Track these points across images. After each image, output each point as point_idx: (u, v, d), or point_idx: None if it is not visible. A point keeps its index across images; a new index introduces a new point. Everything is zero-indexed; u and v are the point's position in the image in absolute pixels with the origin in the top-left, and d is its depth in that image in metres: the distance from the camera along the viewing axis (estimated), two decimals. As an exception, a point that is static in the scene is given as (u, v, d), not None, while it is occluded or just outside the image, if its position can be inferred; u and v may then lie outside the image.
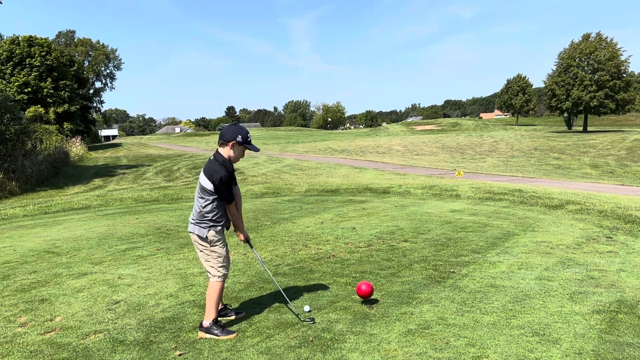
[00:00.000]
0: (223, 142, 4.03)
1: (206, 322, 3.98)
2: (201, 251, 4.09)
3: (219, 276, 4.05)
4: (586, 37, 57.54)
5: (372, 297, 4.65)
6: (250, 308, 4.57)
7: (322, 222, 9.06)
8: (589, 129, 62.00)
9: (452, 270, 5.60)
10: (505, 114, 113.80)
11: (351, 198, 12.38)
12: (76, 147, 34.50)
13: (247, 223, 9.26)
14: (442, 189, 12.70)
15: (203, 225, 4.01)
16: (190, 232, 4.11)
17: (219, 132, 4.17)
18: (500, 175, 20.03)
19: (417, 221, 8.81)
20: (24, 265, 6.64)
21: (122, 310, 4.64)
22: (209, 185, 3.92)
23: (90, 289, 5.38)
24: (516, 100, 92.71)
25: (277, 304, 4.64)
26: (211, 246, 4.04)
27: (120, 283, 5.56)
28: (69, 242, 8.08)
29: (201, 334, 3.96)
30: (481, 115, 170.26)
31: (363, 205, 11.07)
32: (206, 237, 4.01)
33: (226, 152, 4.04)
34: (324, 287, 5.11)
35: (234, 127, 4.05)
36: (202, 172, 4.04)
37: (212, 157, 4.07)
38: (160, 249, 7.34)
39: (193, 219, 4.09)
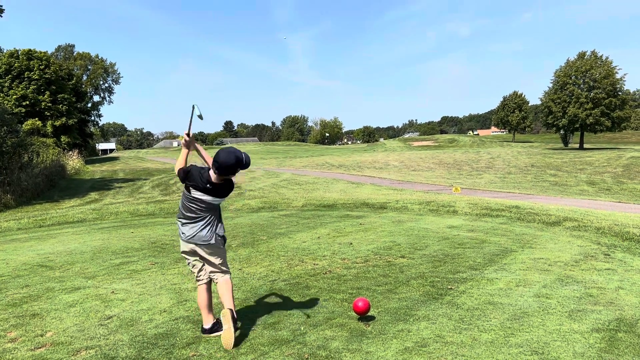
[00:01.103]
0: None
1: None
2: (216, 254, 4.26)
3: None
4: (582, 55, 58.16)
5: (369, 313, 4.58)
6: (245, 324, 4.50)
7: (318, 237, 9.00)
8: (585, 146, 62.32)
9: (449, 287, 5.55)
10: (501, 130, 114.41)
11: (348, 213, 12.34)
12: (73, 161, 34.39)
13: (243, 238, 9.20)
14: (440, 205, 12.68)
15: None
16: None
17: (219, 145, 4.26)
18: (497, 191, 20.04)
19: (414, 237, 8.76)
20: (17, 279, 6.56)
21: (114, 326, 4.56)
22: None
23: (82, 303, 5.30)
24: (512, 117, 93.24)
25: (272, 321, 4.58)
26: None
27: (114, 298, 5.48)
28: (63, 256, 7.99)
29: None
30: (478, 131, 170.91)
31: (360, 220, 11.03)
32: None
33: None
34: (320, 304, 5.05)
35: (218, 157, 3.99)
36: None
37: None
38: (154, 263, 7.27)
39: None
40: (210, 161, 4.17)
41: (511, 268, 6.37)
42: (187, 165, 4.15)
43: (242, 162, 3.90)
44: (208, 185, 4.03)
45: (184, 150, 4.31)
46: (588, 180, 27.48)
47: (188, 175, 4.08)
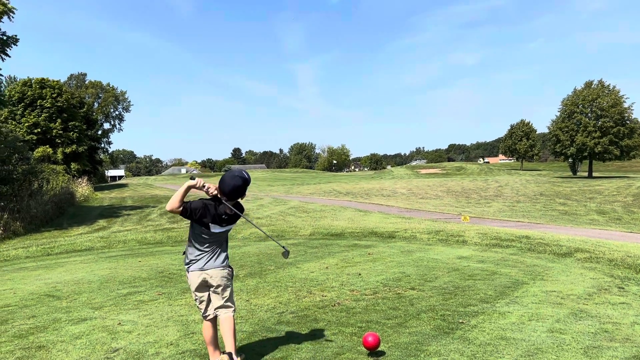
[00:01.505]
0: None
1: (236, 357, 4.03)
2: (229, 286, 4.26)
3: None
4: (589, 84, 58.39)
5: (379, 348, 4.50)
6: (252, 359, 4.42)
7: (326, 267, 8.92)
8: (594, 174, 61.99)
9: (460, 320, 5.45)
10: (509, 158, 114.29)
11: (356, 242, 12.26)
12: (82, 188, 34.61)
13: (250, 268, 9.14)
14: (449, 234, 12.57)
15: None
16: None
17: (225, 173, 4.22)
18: (507, 220, 19.86)
19: (424, 268, 8.66)
20: (23, 309, 6.53)
21: (120, 360, 4.50)
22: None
23: (89, 335, 5.25)
24: (520, 145, 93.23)
25: (280, 355, 4.50)
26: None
27: (120, 330, 5.42)
28: (70, 285, 7.96)
29: None
30: (488, 159, 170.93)
31: (368, 250, 10.94)
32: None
33: None
34: (328, 338, 4.96)
35: (226, 184, 4.07)
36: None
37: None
38: (162, 293, 7.22)
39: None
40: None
41: (523, 301, 6.26)
42: (196, 202, 4.08)
43: (247, 180, 4.11)
44: (224, 217, 4.08)
45: (186, 188, 3.93)
46: (598, 209, 27.22)
47: (204, 213, 4.03)
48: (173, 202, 3.91)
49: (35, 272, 9.63)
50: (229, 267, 4.27)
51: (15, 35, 20.15)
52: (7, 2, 19.31)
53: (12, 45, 20.17)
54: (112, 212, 25.77)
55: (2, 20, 19.46)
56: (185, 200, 3.98)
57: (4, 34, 19.78)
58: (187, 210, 3.97)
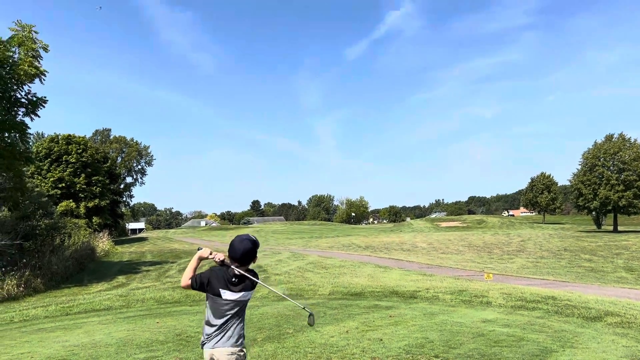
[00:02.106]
0: None
1: None
2: None
3: None
4: (609, 137, 58.13)
5: None
6: None
7: (347, 331, 8.71)
8: (619, 228, 60.60)
9: (488, 395, 5.21)
10: (531, 211, 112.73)
11: (377, 303, 12.00)
12: (102, 242, 34.93)
13: (269, 331, 8.97)
14: (472, 295, 12.26)
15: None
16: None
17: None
18: (531, 277, 19.37)
19: (448, 333, 8.40)
20: (40, 375, 6.44)
21: None
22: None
23: (104, 407, 5.13)
24: (541, 198, 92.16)
25: None
26: None
27: (136, 401, 5.29)
28: (88, 349, 7.87)
29: None
30: (512, 212, 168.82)
31: (390, 312, 10.68)
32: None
33: None
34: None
35: (236, 250, 4.02)
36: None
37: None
38: (179, 359, 7.09)
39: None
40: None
41: (553, 373, 5.98)
42: (204, 272, 3.98)
43: (257, 243, 4.06)
44: (234, 279, 3.94)
45: (196, 260, 4.00)
46: (625, 266, 26.42)
47: (213, 280, 3.96)
48: (186, 278, 3.90)
49: (53, 333, 9.58)
50: (242, 351, 3.99)
51: (44, 97, 20.93)
52: (39, 65, 20.21)
53: (41, 106, 20.92)
54: (131, 267, 25.83)
55: (34, 82, 20.32)
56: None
57: (34, 95, 20.58)
58: (196, 281, 3.90)
